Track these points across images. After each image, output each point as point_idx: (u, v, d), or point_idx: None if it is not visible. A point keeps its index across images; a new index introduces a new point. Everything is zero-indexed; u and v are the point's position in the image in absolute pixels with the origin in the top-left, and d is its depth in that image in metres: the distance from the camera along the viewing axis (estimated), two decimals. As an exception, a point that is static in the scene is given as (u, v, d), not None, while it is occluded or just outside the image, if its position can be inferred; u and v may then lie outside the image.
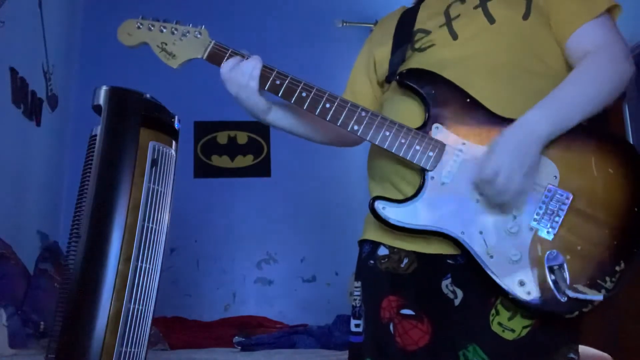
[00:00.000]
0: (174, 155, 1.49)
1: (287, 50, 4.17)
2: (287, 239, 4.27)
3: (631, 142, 3.34)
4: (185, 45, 1.34)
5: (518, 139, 1.12)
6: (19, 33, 3.20)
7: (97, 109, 1.44)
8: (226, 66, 1.29)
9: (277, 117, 1.39)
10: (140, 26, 1.36)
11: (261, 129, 4.37)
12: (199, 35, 1.34)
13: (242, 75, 1.28)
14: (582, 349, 1.21)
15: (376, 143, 1.22)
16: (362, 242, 1.35)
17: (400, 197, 1.22)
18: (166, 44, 1.35)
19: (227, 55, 1.31)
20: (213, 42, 1.33)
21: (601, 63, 1.20)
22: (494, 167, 1.11)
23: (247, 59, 1.29)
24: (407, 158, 1.20)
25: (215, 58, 1.32)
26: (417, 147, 1.19)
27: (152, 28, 1.36)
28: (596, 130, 1.19)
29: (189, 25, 1.35)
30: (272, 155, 4.39)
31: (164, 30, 1.35)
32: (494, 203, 1.14)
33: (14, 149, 3.19)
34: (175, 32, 1.35)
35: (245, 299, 4.20)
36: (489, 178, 1.11)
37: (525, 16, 1.25)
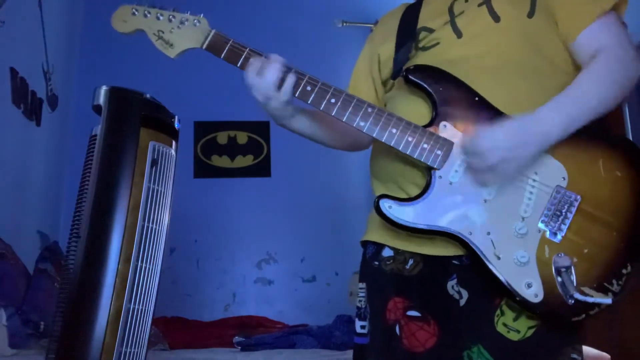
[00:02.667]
0: (174, 155, 1.49)
1: (287, 50, 4.15)
2: (287, 239, 4.27)
3: (631, 142, 3.31)
4: (183, 33, 1.28)
5: (528, 131, 1.11)
6: (19, 33, 3.20)
7: (97, 109, 1.44)
8: (251, 70, 1.23)
9: (300, 123, 1.35)
10: (136, 12, 1.29)
11: (261, 129, 4.36)
12: (197, 24, 1.28)
13: (267, 86, 1.22)
14: (583, 349, 1.21)
15: (383, 140, 1.19)
16: (366, 243, 1.33)
17: (406, 196, 1.20)
18: (163, 32, 1.28)
19: (245, 54, 1.24)
20: (214, 31, 1.27)
21: (612, 64, 1.19)
22: (493, 142, 1.10)
23: (268, 62, 1.22)
24: (414, 156, 1.17)
25: (216, 48, 1.26)
26: (425, 146, 1.17)
27: (148, 15, 1.29)
28: (604, 133, 1.18)
29: (187, 12, 1.29)
30: (272, 155, 4.39)
31: (161, 17, 1.29)
32: (471, 173, 1.13)
33: (14, 149, 3.19)
34: (173, 19, 1.28)
35: (245, 299, 4.20)
36: (481, 149, 1.10)
37: (531, 14, 1.23)
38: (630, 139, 3.31)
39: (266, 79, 1.21)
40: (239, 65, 1.26)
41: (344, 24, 4.41)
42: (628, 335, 3.02)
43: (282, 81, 1.22)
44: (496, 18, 1.24)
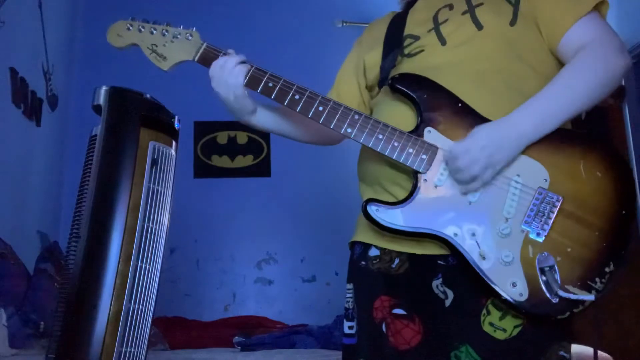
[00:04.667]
0: (174, 155, 1.49)
1: (287, 50, 4.17)
2: (287, 239, 4.27)
3: (631, 142, 3.34)
4: (176, 47, 1.34)
5: (499, 132, 1.15)
6: (19, 33, 3.20)
7: (97, 109, 1.44)
8: (216, 65, 1.30)
9: (261, 118, 1.40)
10: (130, 27, 1.35)
11: (261, 129, 4.36)
12: (190, 37, 1.33)
13: (228, 74, 1.28)
14: (582, 348, 1.22)
15: (369, 146, 1.23)
16: (354, 244, 1.36)
17: (392, 199, 1.23)
18: (157, 46, 1.34)
19: (219, 55, 1.30)
20: (205, 44, 1.33)
21: (589, 60, 1.21)
22: (466, 146, 1.15)
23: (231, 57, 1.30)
24: (400, 161, 1.20)
25: (207, 60, 1.32)
26: (410, 150, 1.20)
27: (143, 29, 1.35)
28: (585, 135, 1.21)
29: (180, 27, 1.34)
30: (272, 155, 4.39)
31: (155, 31, 1.34)
32: (453, 179, 1.18)
33: (14, 149, 3.19)
34: (166, 33, 1.34)
35: (245, 299, 4.19)
36: (456, 154, 1.15)
37: (512, 22, 1.27)
38: (630, 139, 3.32)
39: (226, 69, 1.28)
40: None
41: (344, 24, 4.41)
42: (630, 338, 3.03)
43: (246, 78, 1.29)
44: (479, 26, 1.28)
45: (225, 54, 1.32)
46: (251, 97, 1.32)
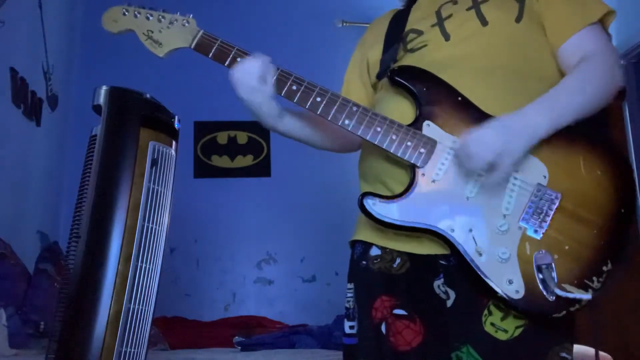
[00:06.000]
0: (174, 155, 1.49)
1: (287, 49, 4.15)
2: (287, 239, 4.27)
3: (631, 142, 3.34)
4: (172, 33, 1.31)
5: (516, 126, 1.13)
6: (19, 33, 3.20)
7: (97, 109, 1.44)
8: (238, 69, 1.25)
9: (289, 124, 1.37)
10: (126, 13, 1.33)
11: (261, 129, 4.35)
12: (186, 24, 1.31)
13: (251, 77, 1.24)
14: (582, 349, 1.21)
15: (367, 139, 1.21)
16: (354, 243, 1.35)
17: (390, 194, 1.21)
18: (152, 32, 1.32)
19: (233, 53, 1.28)
20: (202, 31, 1.31)
21: (598, 70, 1.22)
22: (482, 143, 1.11)
23: (253, 58, 1.26)
24: (398, 155, 1.19)
25: (204, 48, 1.29)
26: (409, 144, 1.19)
27: (138, 15, 1.33)
28: (584, 133, 1.20)
29: (177, 13, 1.32)
30: (272, 155, 4.39)
31: (151, 17, 1.32)
32: (462, 165, 1.15)
33: (14, 149, 3.19)
34: (162, 19, 1.32)
35: (245, 299, 4.20)
36: (473, 151, 1.11)
37: (518, 19, 1.26)
38: (630, 139, 3.32)
39: (248, 70, 1.24)
40: (226, 64, 1.29)
41: (344, 24, 4.41)
42: (630, 338, 3.03)
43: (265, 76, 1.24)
44: (484, 22, 1.27)
45: (223, 43, 1.29)
46: (276, 100, 1.29)
